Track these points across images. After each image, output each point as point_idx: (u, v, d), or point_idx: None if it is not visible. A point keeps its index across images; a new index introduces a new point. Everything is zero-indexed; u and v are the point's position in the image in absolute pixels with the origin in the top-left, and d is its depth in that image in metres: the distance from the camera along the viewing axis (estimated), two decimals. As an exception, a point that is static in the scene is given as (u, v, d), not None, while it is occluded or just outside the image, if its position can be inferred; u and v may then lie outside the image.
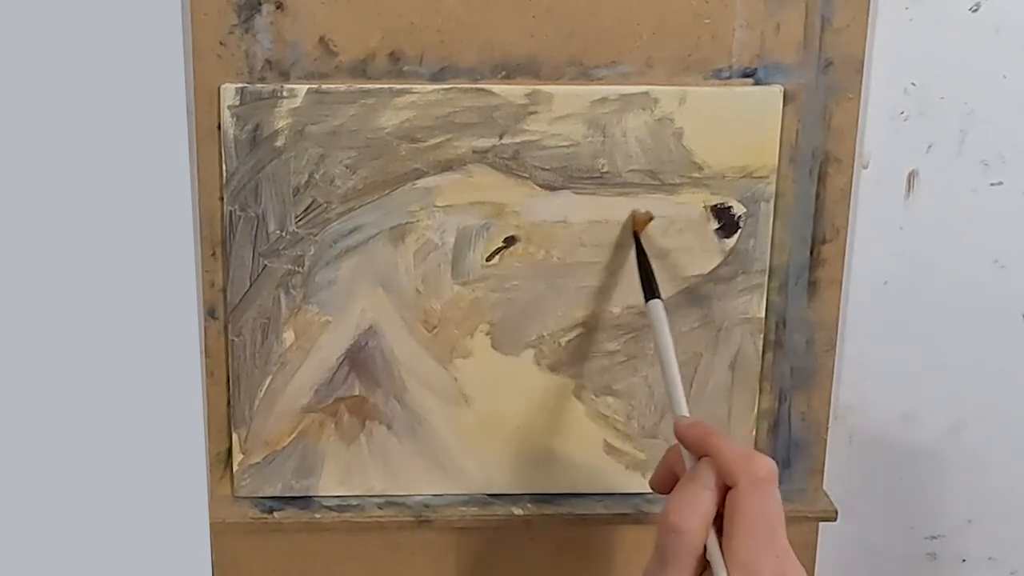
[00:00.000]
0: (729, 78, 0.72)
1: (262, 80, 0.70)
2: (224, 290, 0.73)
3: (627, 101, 0.71)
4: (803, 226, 0.74)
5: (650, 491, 0.77)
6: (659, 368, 0.75)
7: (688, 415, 0.65)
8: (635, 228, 0.72)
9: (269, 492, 0.76)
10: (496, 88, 0.70)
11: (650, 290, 0.70)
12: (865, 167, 0.75)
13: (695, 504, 0.59)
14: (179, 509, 0.54)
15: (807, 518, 0.78)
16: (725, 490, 0.60)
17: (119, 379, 0.52)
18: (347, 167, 0.71)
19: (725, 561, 0.58)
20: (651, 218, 0.72)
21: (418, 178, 0.71)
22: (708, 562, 0.59)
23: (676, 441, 0.64)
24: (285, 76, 0.70)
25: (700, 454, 0.62)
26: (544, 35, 0.70)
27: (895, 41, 0.73)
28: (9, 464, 0.52)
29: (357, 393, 0.75)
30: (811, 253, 0.75)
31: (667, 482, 0.64)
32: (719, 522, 0.59)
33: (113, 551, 0.54)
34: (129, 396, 0.53)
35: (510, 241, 0.73)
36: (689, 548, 0.59)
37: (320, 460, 0.76)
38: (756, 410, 0.77)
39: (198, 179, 0.71)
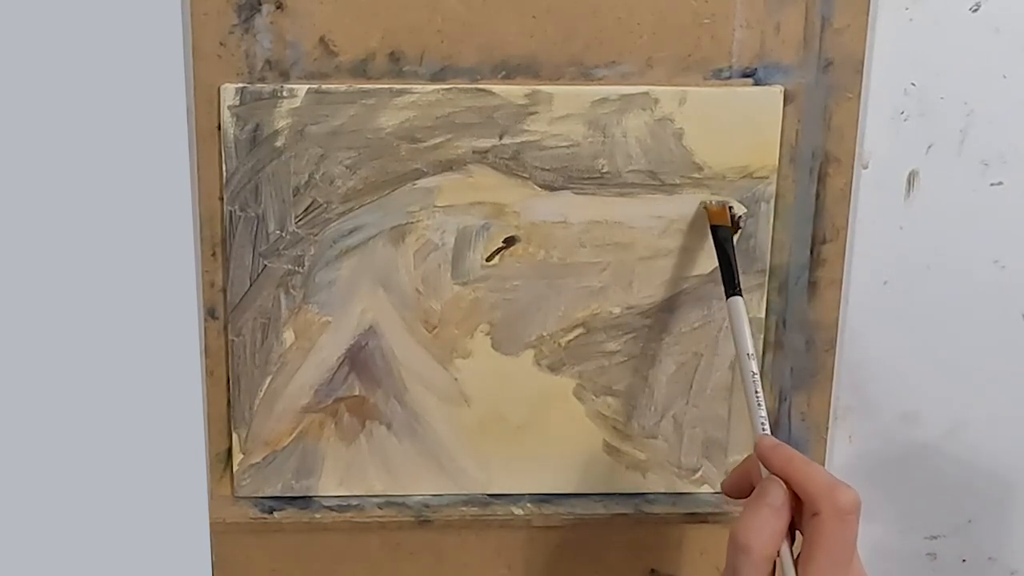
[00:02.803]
0: (729, 78, 0.72)
1: (262, 80, 0.70)
2: (224, 290, 0.73)
3: (627, 101, 0.71)
4: (803, 226, 0.74)
5: (650, 491, 0.78)
6: (661, 368, 0.76)
7: (768, 432, 0.66)
8: (712, 221, 0.72)
9: (269, 492, 0.76)
10: (496, 88, 0.70)
11: (732, 285, 0.70)
12: (865, 167, 0.75)
13: (765, 524, 0.61)
14: (179, 509, 0.55)
15: (807, 518, 0.78)
16: (796, 511, 0.62)
17: (119, 379, 0.52)
18: (347, 167, 0.71)
19: None
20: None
21: (418, 178, 0.71)
22: None
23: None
24: (285, 76, 0.70)
25: (783, 477, 0.63)
26: (544, 35, 0.70)
27: (895, 41, 0.73)
28: (10, 464, 0.52)
29: (357, 393, 0.75)
30: (811, 253, 0.75)
31: (740, 489, 0.66)
32: (790, 542, 0.62)
33: (113, 551, 0.54)
34: (129, 396, 0.53)
35: (510, 241, 0.73)
36: (755, 567, 0.60)
37: (320, 460, 0.76)
38: (756, 410, 0.77)
39: (198, 179, 0.71)
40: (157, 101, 0.50)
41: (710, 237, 0.73)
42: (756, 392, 0.67)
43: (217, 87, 0.69)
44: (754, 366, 0.67)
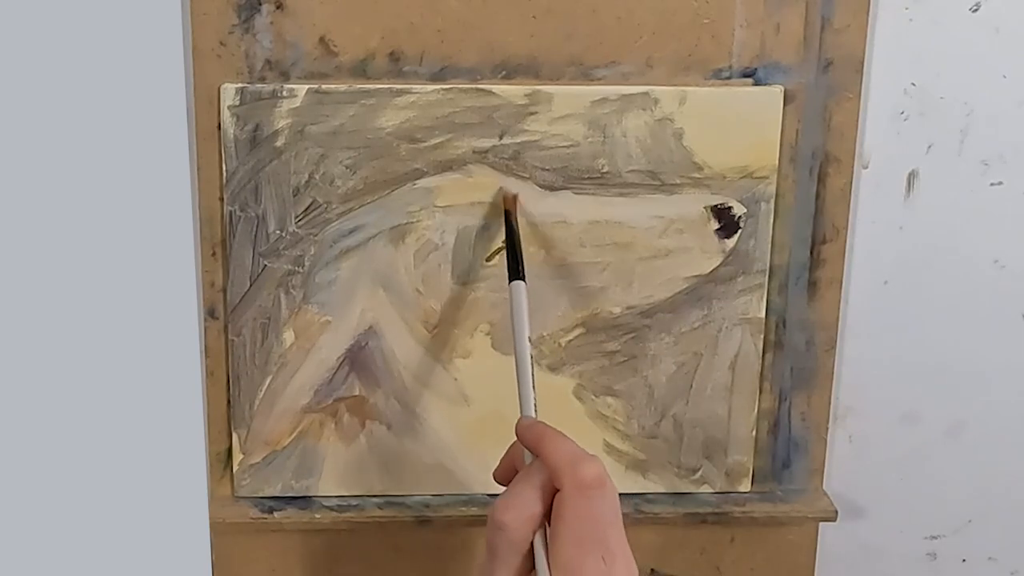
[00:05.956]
0: (729, 78, 0.72)
1: (262, 80, 0.70)
2: (224, 290, 0.73)
3: (627, 101, 0.71)
4: (803, 226, 0.74)
5: (652, 491, 0.78)
6: (661, 368, 0.76)
7: (534, 415, 0.64)
8: (506, 207, 0.71)
9: (269, 492, 0.76)
10: (496, 88, 0.70)
11: (516, 271, 0.68)
12: (865, 167, 0.75)
13: (520, 502, 0.59)
14: (179, 509, 0.54)
15: (807, 518, 0.78)
16: (555, 491, 0.59)
17: (119, 379, 0.52)
18: (347, 167, 0.71)
19: (549, 563, 0.58)
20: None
21: (418, 178, 0.72)
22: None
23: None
24: (285, 76, 0.70)
25: (536, 454, 0.61)
26: (544, 35, 0.70)
27: (895, 41, 0.73)
28: (9, 464, 0.52)
29: (357, 393, 0.75)
30: (811, 253, 0.75)
31: (507, 477, 0.64)
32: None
33: (113, 551, 0.54)
34: (129, 396, 0.53)
35: (506, 235, 0.73)
36: (513, 545, 0.59)
37: (320, 460, 0.76)
38: (756, 410, 0.77)
39: (198, 179, 0.71)
40: (157, 101, 0.50)
41: (710, 237, 0.73)
42: (532, 376, 0.65)
43: (217, 87, 0.69)
44: (530, 350, 0.65)
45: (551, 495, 0.59)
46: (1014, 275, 0.78)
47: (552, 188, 0.72)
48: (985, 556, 0.84)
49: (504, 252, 0.72)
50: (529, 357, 0.65)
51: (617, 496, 0.60)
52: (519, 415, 0.64)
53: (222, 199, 0.71)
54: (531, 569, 0.59)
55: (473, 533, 0.78)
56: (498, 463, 0.66)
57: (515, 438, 0.63)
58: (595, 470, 0.59)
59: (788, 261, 0.75)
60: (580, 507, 0.58)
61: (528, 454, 0.62)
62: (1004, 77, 0.74)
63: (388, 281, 0.73)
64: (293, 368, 0.74)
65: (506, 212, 0.71)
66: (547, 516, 0.59)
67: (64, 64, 0.49)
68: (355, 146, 0.71)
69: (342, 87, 0.70)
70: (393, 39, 0.70)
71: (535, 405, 0.64)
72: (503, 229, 0.72)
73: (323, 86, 0.70)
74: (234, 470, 0.76)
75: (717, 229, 0.73)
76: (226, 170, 0.71)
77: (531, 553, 0.59)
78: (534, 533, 0.59)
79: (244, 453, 0.75)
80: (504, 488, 0.62)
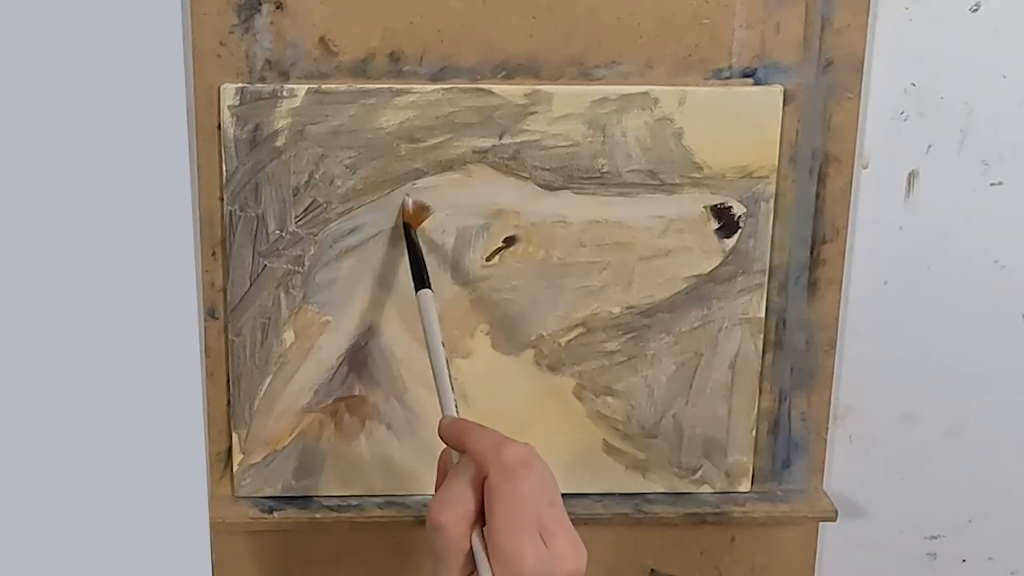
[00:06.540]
0: (729, 78, 0.72)
1: (262, 80, 0.70)
2: (224, 290, 0.73)
3: (627, 101, 0.71)
4: (803, 226, 0.74)
5: (650, 491, 0.78)
6: (661, 368, 0.76)
7: (455, 414, 0.64)
8: (407, 220, 0.71)
9: (269, 492, 0.76)
10: (496, 88, 0.70)
11: (420, 280, 0.69)
12: (865, 167, 0.75)
13: (453, 500, 0.59)
14: (179, 509, 0.54)
15: (807, 518, 0.78)
16: (484, 481, 0.59)
17: (119, 379, 0.52)
18: (347, 167, 0.71)
19: (488, 553, 0.58)
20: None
21: (418, 178, 0.72)
22: None
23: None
24: (285, 76, 0.70)
25: (461, 450, 0.61)
26: (544, 35, 0.70)
27: (895, 41, 0.73)
28: (9, 464, 0.52)
29: (357, 393, 0.75)
30: (811, 253, 0.75)
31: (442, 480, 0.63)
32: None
33: (113, 551, 0.54)
34: (129, 396, 0.53)
35: (510, 241, 0.73)
36: (452, 544, 0.58)
37: (320, 460, 0.76)
38: (756, 410, 0.77)
39: (198, 179, 0.71)
40: (157, 101, 0.50)
41: (710, 237, 0.73)
42: (450, 377, 0.65)
43: (217, 87, 0.69)
44: (444, 353, 0.66)
45: (482, 488, 0.59)
46: (1014, 275, 0.78)
47: (552, 188, 0.72)
48: (985, 556, 0.84)
49: (504, 252, 0.72)
50: (444, 359, 0.65)
51: (551, 476, 0.59)
52: (442, 416, 0.64)
53: (222, 199, 0.71)
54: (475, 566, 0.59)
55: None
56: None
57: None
58: (519, 452, 0.59)
59: (788, 261, 0.75)
60: (508, 491, 0.58)
61: (456, 454, 0.62)
62: (1004, 77, 0.74)
63: (388, 281, 0.73)
64: (293, 368, 0.74)
65: (405, 225, 0.71)
66: (482, 510, 0.59)
67: (64, 64, 0.49)
68: (355, 146, 0.71)
69: (342, 87, 0.70)
70: (393, 39, 0.70)
71: (456, 404, 0.64)
72: (503, 229, 0.72)
73: (323, 86, 0.70)
74: (234, 470, 0.76)
75: (717, 229, 0.73)
76: (226, 170, 0.71)
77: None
78: (471, 528, 0.59)
79: (244, 453, 0.75)
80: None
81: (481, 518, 0.59)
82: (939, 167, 0.75)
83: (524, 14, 0.70)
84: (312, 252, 0.72)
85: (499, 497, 0.58)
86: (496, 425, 0.75)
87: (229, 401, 0.75)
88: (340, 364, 0.74)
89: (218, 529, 0.75)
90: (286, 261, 0.72)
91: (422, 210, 0.71)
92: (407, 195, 0.71)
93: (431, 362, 0.66)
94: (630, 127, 0.71)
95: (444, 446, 0.64)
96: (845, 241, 0.75)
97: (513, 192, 0.72)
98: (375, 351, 0.74)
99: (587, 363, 0.75)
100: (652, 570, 0.80)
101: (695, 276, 0.74)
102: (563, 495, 0.77)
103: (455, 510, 0.59)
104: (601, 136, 0.71)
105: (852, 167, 0.73)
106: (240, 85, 0.69)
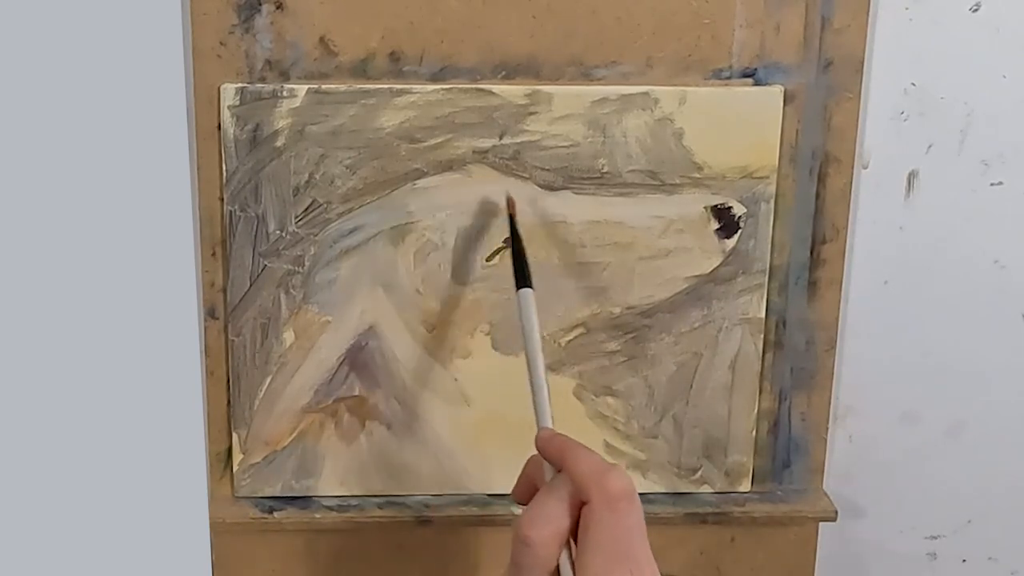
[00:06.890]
0: (729, 78, 0.72)
1: (262, 80, 0.70)
2: (224, 290, 0.73)
3: (627, 101, 0.71)
4: (803, 226, 0.74)
5: (652, 491, 0.78)
6: (661, 368, 0.76)
7: (551, 425, 0.62)
8: (511, 211, 0.71)
9: (269, 492, 0.76)
10: (496, 88, 0.70)
11: (523, 278, 0.68)
12: (865, 167, 0.75)
13: (547, 517, 0.58)
14: (179, 509, 0.54)
15: (807, 518, 0.78)
16: (581, 504, 0.58)
17: (119, 379, 0.52)
18: (347, 167, 0.71)
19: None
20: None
21: (418, 178, 0.72)
22: None
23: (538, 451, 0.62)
24: (285, 76, 0.70)
25: (558, 468, 0.60)
26: (544, 35, 0.70)
27: (895, 41, 0.73)
28: (10, 464, 0.52)
29: (357, 393, 0.75)
30: (811, 253, 0.75)
31: (527, 494, 0.62)
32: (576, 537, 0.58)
33: (113, 551, 0.54)
34: (129, 396, 0.53)
35: (510, 241, 0.73)
36: (539, 561, 0.57)
37: (320, 460, 0.76)
38: (756, 410, 0.77)
39: (198, 179, 0.71)
40: (157, 101, 0.50)
41: (710, 237, 0.73)
42: (547, 386, 0.63)
43: (217, 87, 0.69)
44: (544, 361, 0.64)
45: (578, 509, 0.58)
46: (1014, 275, 0.78)
47: (552, 188, 0.72)
48: (985, 556, 0.84)
49: (503, 252, 0.72)
50: (543, 367, 0.63)
51: (642, 507, 0.59)
52: (537, 426, 0.62)
53: (222, 199, 0.71)
54: None
55: (473, 533, 0.78)
56: (516, 481, 0.64)
57: (524, 442, 0.62)
58: (624, 483, 0.58)
59: (788, 261, 0.75)
60: (610, 521, 0.57)
61: (549, 468, 0.61)
62: (1004, 77, 0.74)
63: (388, 281, 0.73)
64: (293, 368, 0.74)
65: (510, 216, 0.71)
66: (573, 531, 0.58)
67: (64, 64, 0.49)
68: (355, 146, 0.71)
69: (342, 87, 0.70)
70: (393, 39, 0.70)
71: (551, 416, 0.63)
72: (503, 229, 0.72)
73: (323, 86, 0.70)
74: (234, 470, 0.76)
75: (717, 229, 0.73)
76: (226, 170, 0.71)
77: (558, 570, 0.58)
78: (561, 549, 0.58)
79: (244, 453, 0.75)
80: (524, 505, 0.61)
81: (570, 539, 0.58)
82: (939, 167, 0.75)
83: (524, 14, 0.70)
84: (312, 252, 0.72)
85: (601, 527, 0.57)
86: (496, 425, 0.75)
87: (229, 401, 0.75)
88: (340, 364, 0.74)
89: (218, 529, 0.75)
90: (286, 261, 0.72)
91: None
92: (507, 191, 0.70)
93: (528, 368, 0.64)
94: (630, 127, 0.71)
95: (505, 444, 0.62)
96: (845, 241, 0.75)
97: (513, 192, 0.72)
98: (375, 351, 0.74)
99: (587, 363, 0.75)
100: (652, 570, 0.80)
101: (695, 276, 0.74)
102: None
103: (547, 528, 0.58)
104: (601, 136, 0.71)
105: (852, 167, 0.73)
106: (240, 85, 0.69)
